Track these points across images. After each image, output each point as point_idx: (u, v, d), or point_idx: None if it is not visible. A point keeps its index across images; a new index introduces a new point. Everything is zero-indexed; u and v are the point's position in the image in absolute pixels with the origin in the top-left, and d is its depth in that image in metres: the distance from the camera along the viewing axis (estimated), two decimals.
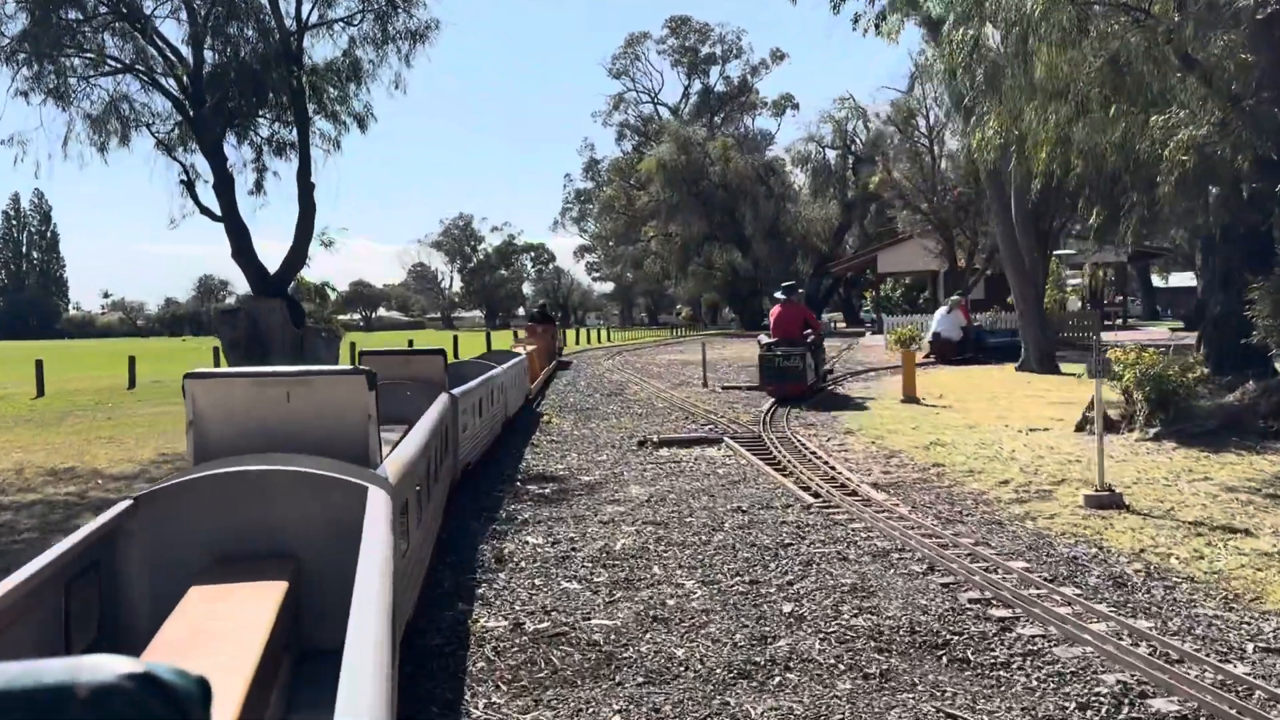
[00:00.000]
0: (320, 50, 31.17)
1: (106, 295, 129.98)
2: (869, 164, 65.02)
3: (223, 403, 5.19)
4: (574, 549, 8.50)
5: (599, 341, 56.97)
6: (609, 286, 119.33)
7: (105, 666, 0.88)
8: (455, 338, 51.84)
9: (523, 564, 8.07)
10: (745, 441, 14.78)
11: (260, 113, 18.69)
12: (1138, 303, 66.28)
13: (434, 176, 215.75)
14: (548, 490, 11.54)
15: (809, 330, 20.35)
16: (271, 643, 3.38)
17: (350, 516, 4.15)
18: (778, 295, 20.94)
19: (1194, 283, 79.78)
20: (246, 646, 3.19)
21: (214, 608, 3.67)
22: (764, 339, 20.42)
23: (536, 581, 7.54)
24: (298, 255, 18.23)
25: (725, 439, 15.04)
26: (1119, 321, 48.18)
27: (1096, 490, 9.80)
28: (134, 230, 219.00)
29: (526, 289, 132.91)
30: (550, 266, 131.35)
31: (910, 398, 19.28)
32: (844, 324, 63.94)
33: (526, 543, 8.80)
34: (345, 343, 28.49)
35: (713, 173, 64.91)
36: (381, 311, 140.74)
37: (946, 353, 29.19)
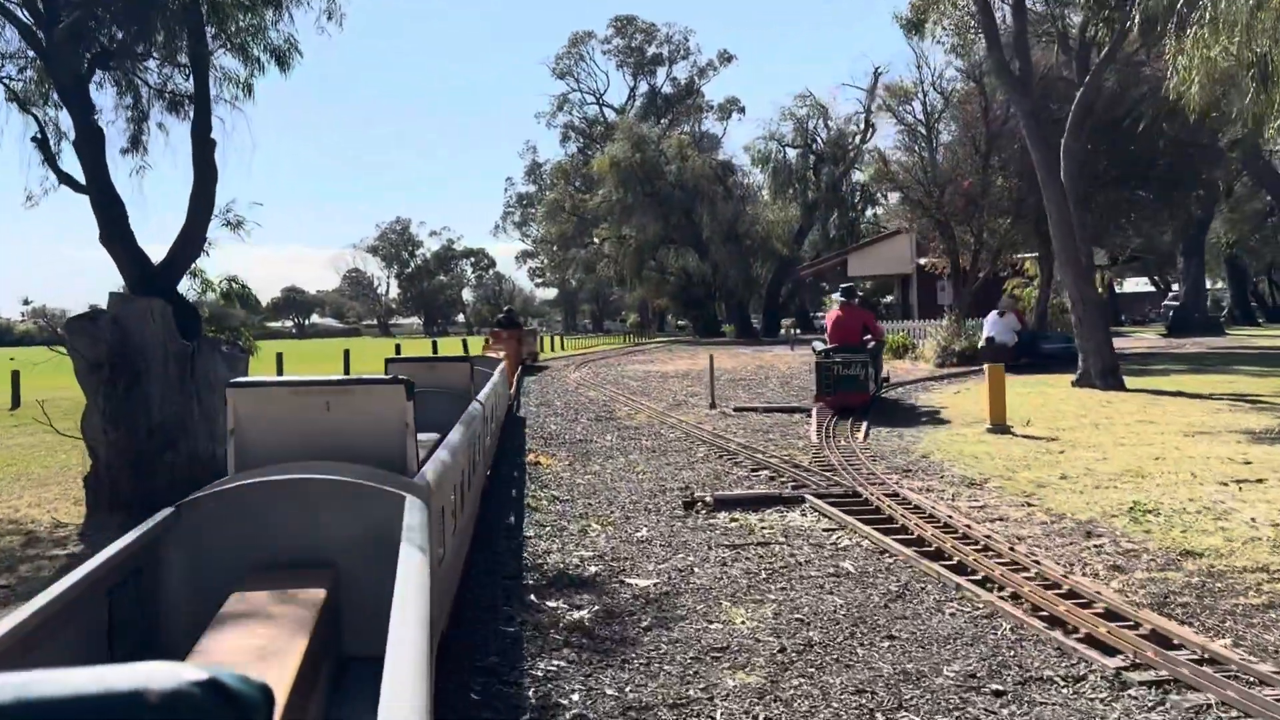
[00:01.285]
0: None
1: (26, 302, 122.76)
2: (831, 163, 61.64)
3: (263, 411, 5.09)
4: None
5: (552, 350, 52.29)
6: (552, 293, 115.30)
7: (173, 673, 0.87)
8: (397, 346, 46.78)
9: None
10: (839, 501, 10.23)
11: (143, 45, 13.72)
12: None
13: (369, 179, 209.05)
14: (584, 613, 6.79)
15: (869, 335, 18.21)
16: (311, 650, 3.24)
17: (388, 525, 4.02)
18: (836, 297, 18.93)
19: (1149, 288, 78.00)
20: (286, 654, 3.08)
21: (254, 615, 3.53)
22: (819, 345, 18.49)
23: None
24: (192, 238, 13.24)
25: (807, 496, 10.48)
26: None
27: None
28: (56, 234, 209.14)
29: (467, 295, 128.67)
30: (491, 272, 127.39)
31: (1000, 425, 14.99)
32: (798, 330, 59.11)
33: None
34: (267, 356, 23.10)
35: (669, 172, 60.17)
36: (315, 318, 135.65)
37: (1002, 359, 25.35)
